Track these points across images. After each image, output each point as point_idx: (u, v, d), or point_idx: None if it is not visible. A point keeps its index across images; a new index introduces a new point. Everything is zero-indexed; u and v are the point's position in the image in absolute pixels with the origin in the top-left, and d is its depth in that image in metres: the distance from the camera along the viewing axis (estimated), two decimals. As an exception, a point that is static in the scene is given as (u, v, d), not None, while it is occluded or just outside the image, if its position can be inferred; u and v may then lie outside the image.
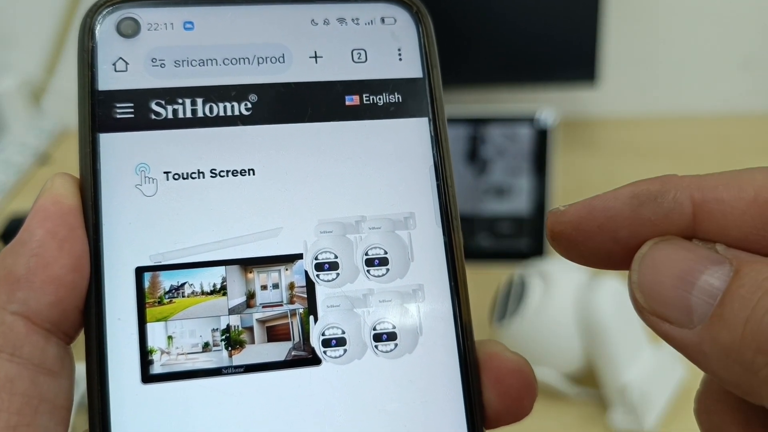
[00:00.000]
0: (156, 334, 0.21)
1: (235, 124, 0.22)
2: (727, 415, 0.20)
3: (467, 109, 0.82)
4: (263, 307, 0.22)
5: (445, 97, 0.24)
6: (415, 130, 0.23)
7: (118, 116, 0.22)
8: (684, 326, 0.17)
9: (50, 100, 1.12)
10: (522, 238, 0.82)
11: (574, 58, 0.97)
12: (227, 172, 0.22)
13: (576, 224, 0.19)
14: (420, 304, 0.22)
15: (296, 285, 0.22)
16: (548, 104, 0.81)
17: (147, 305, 0.21)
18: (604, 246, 0.19)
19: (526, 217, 0.82)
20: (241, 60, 0.23)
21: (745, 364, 0.16)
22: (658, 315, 0.18)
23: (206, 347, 0.21)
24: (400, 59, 0.24)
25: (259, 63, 0.23)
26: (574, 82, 0.97)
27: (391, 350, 0.22)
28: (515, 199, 0.82)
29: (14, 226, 0.81)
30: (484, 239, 0.83)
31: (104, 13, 0.22)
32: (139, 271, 0.21)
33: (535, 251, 0.81)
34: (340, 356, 0.21)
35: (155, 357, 0.21)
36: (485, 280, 0.71)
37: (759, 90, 1.08)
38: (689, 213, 0.18)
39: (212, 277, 0.21)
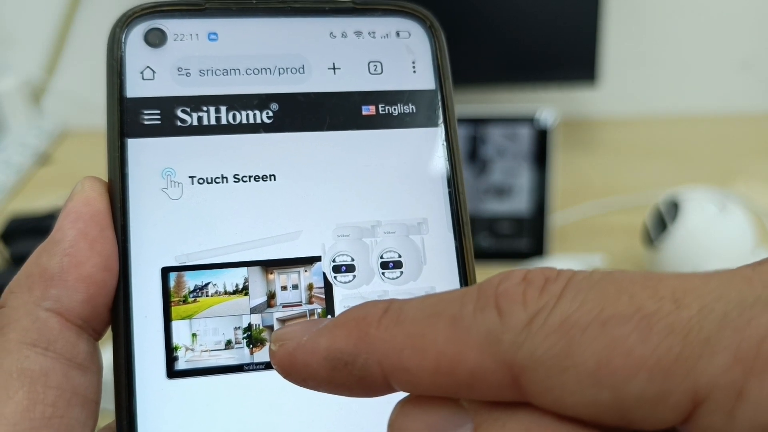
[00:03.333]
0: (181, 331, 0.21)
1: (257, 132, 0.23)
2: None
3: (467, 109, 0.82)
4: (283, 306, 0.22)
5: (454, 97, 0.24)
6: (429, 140, 0.24)
7: (146, 122, 0.23)
8: None
9: (50, 100, 1.12)
10: (522, 238, 0.82)
11: (574, 58, 0.97)
12: (249, 177, 0.23)
13: (285, 372, 0.18)
14: None
15: (315, 286, 0.23)
16: (548, 104, 0.81)
17: (172, 304, 0.22)
18: (321, 391, 0.18)
19: (526, 217, 0.82)
20: (263, 70, 0.24)
21: None
22: None
23: (229, 345, 0.22)
24: (414, 71, 0.24)
25: (280, 73, 0.24)
26: (574, 82, 0.97)
27: None
28: (515, 199, 0.82)
29: (14, 226, 0.81)
30: (484, 239, 0.83)
31: (132, 23, 0.23)
32: (165, 271, 0.22)
33: (535, 251, 0.81)
34: None
35: (180, 353, 0.21)
36: (485, 280, 0.71)
37: (759, 90, 1.08)
38: (381, 379, 0.16)
39: (235, 277, 0.22)
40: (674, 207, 0.74)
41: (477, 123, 0.82)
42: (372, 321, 0.17)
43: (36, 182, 1.01)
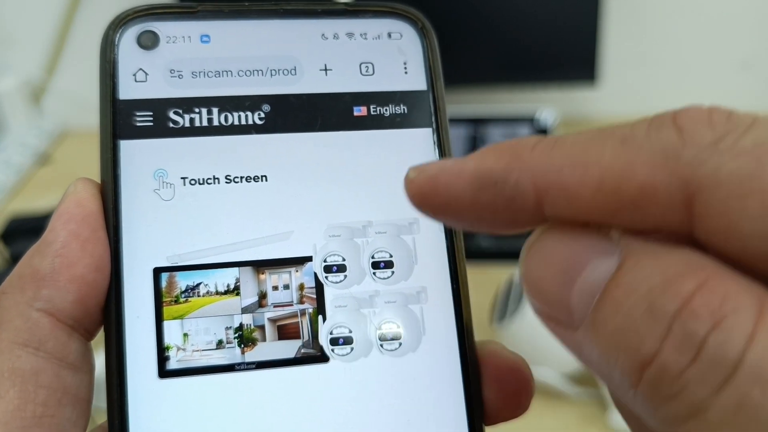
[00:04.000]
0: (172, 331, 0.22)
1: (249, 133, 0.23)
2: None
3: (467, 109, 0.82)
4: (274, 306, 0.22)
5: (445, 97, 0.24)
6: (420, 140, 0.24)
7: (138, 124, 0.23)
8: (568, 327, 0.15)
9: (50, 100, 1.12)
10: (522, 238, 0.82)
11: (574, 58, 0.97)
12: (241, 178, 0.23)
13: (422, 198, 0.17)
14: (423, 306, 0.23)
15: (306, 286, 0.23)
16: (548, 104, 0.81)
17: (164, 304, 0.22)
18: (457, 224, 0.17)
19: (526, 217, 0.82)
20: (255, 72, 0.24)
21: (612, 383, 0.15)
22: (544, 314, 0.16)
23: (220, 344, 0.22)
24: (406, 72, 0.25)
25: (272, 75, 0.24)
26: (574, 82, 0.97)
27: (396, 349, 0.22)
28: (515, 199, 0.82)
29: (14, 226, 0.81)
30: (484, 239, 0.83)
31: (125, 26, 0.23)
32: (157, 272, 0.22)
33: (535, 251, 0.81)
34: (347, 354, 0.22)
35: (171, 353, 0.21)
36: (485, 280, 0.71)
37: (759, 90, 1.08)
38: (533, 200, 0.15)
39: (226, 277, 0.22)
40: None
41: (477, 123, 0.82)
42: (526, 146, 0.16)
43: (36, 182, 1.01)
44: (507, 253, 0.82)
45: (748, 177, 0.13)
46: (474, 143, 0.82)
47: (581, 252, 0.15)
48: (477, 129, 0.82)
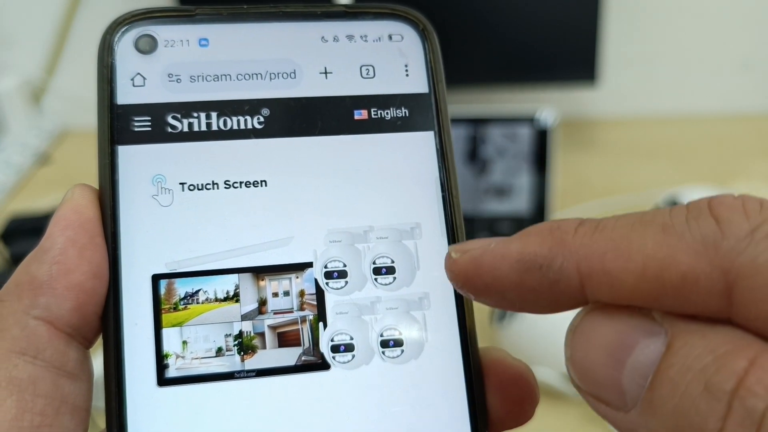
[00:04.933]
0: (171, 339, 0.21)
1: (248, 137, 0.23)
2: None
3: (467, 109, 0.82)
4: (274, 313, 0.22)
5: (447, 99, 0.24)
6: (422, 144, 0.24)
7: (136, 129, 0.22)
8: (619, 409, 0.16)
9: (50, 100, 1.12)
10: (522, 238, 0.82)
11: (574, 58, 0.97)
12: (240, 183, 0.23)
13: (465, 279, 0.18)
14: (426, 312, 0.23)
15: (306, 292, 0.22)
16: (548, 104, 0.81)
17: (163, 311, 0.21)
18: (498, 304, 0.18)
19: (526, 217, 0.82)
20: (254, 75, 0.23)
21: None
22: (593, 396, 0.16)
23: (219, 352, 0.22)
24: (407, 75, 0.24)
25: (271, 78, 0.23)
26: (574, 82, 0.97)
27: (398, 356, 0.22)
28: (515, 199, 0.82)
29: (14, 226, 0.81)
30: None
31: (123, 30, 0.23)
32: (156, 278, 0.22)
33: (535, 251, 0.81)
34: (348, 361, 0.22)
35: (170, 361, 0.21)
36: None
37: (759, 90, 1.08)
38: (577, 284, 0.16)
39: (225, 284, 0.22)
40: None
41: (477, 123, 0.82)
42: (568, 229, 0.16)
43: (36, 182, 1.01)
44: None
45: None
46: (474, 143, 0.82)
47: (628, 333, 0.16)
48: (477, 129, 0.81)
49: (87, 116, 1.08)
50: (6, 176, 1.00)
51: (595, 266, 0.16)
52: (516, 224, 0.82)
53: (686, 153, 1.00)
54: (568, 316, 0.17)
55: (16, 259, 0.78)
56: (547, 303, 0.17)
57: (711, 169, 0.95)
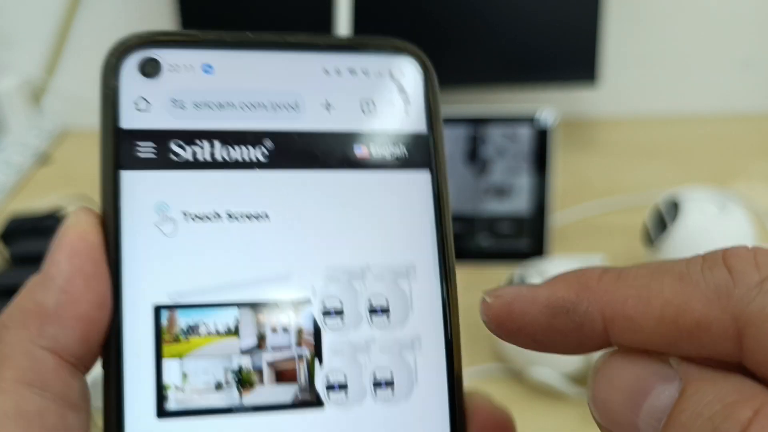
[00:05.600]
0: (172, 371, 0.21)
1: (251, 168, 0.23)
2: None
3: (467, 109, 0.82)
4: (272, 349, 0.22)
5: (446, 97, 0.24)
6: (418, 183, 0.24)
7: (140, 155, 0.22)
8: None
9: (50, 100, 1.12)
10: (522, 238, 0.82)
11: (574, 58, 0.97)
12: (242, 215, 0.23)
13: (498, 322, 0.19)
14: (417, 354, 0.23)
15: (304, 329, 0.22)
16: (548, 104, 0.81)
17: (164, 342, 0.21)
18: (528, 345, 0.19)
19: (526, 217, 0.82)
20: (258, 105, 0.23)
21: None
22: None
23: (218, 386, 0.22)
24: (407, 113, 0.24)
25: (274, 109, 0.23)
26: (574, 82, 0.97)
27: (389, 397, 0.23)
28: (515, 199, 0.82)
29: (14, 226, 0.81)
30: (484, 239, 0.83)
31: (128, 53, 0.23)
32: (158, 309, 0.21)
33: (535, 251, 0.81)
34: (342, 401, 0.22)
35: (170, 393, 0.21)
36: (485, 280, 0.71)
37: (759, 90, 1.08)
38: (601, 328, 0.18)
39: (226, 317, 0.22)
40: (674, 207, 0.74)
41: (477, 123, 0.82)
42: (592, 276, 0.18)
43: (36, 182, 1.01)
44: (507, 254, 0.82)
45: None
46: (474, 143, 0.82)
47: (646, 378, 0.17)
48: (477, 129, 0.81)
49: (87, 116, 1.08)
50: (6, 176, 1.00)
51: (617, 311, 0.17)
52: (516, 224, 0.82)
53: (686, 153, 1.00)
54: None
55: (15, 259, 0.78)
56: (574, 345, 0.18)
57: (711, 169, 0.95)
